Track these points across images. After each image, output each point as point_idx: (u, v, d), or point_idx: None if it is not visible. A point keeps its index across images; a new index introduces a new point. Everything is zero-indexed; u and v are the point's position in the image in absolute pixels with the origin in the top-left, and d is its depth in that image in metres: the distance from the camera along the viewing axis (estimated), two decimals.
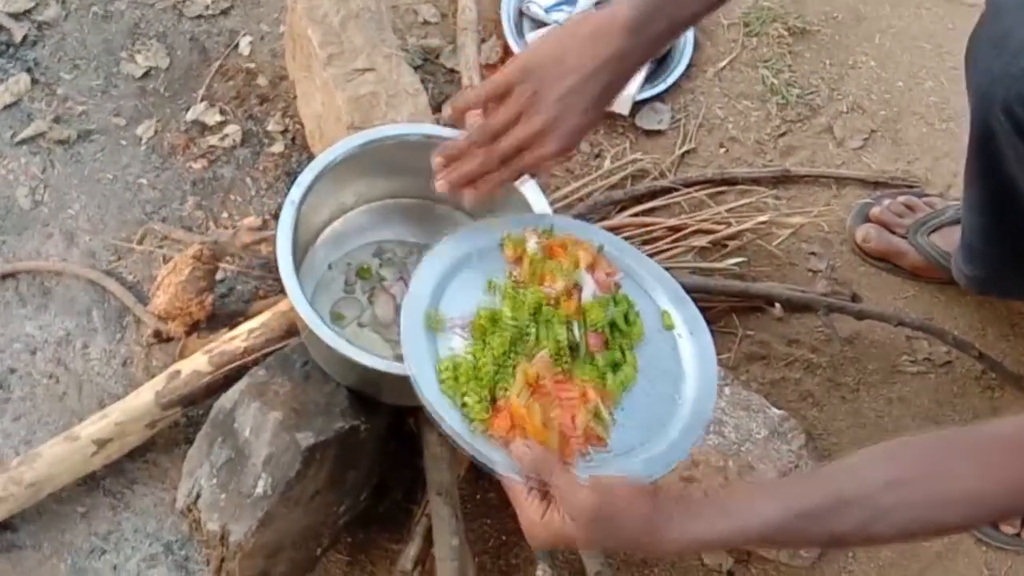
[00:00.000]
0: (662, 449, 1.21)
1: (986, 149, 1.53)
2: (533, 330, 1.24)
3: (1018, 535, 1.71)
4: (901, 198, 1.93)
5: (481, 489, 1.70)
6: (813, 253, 1.94)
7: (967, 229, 1.74)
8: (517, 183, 1.45)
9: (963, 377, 1.85)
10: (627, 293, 1.34)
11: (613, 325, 1.29)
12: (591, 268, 1.33)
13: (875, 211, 1.91)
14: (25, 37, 2.07)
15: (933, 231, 1.87)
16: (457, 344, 1.24)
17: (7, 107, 1.99)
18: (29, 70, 2.03)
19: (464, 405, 1.18)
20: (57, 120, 1.98)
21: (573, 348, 1.24)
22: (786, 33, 2.19)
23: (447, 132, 1.59)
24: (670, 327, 1.34)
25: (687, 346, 1.32)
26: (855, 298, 1.88)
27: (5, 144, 1.95)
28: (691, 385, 1.28)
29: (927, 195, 1.96)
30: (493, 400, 1.18)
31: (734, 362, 1.81)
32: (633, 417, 1.23)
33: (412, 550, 1.53)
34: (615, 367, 1.26)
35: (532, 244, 1.35)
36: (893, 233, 1.89)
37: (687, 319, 1.35)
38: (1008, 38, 1.41)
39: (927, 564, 1.70)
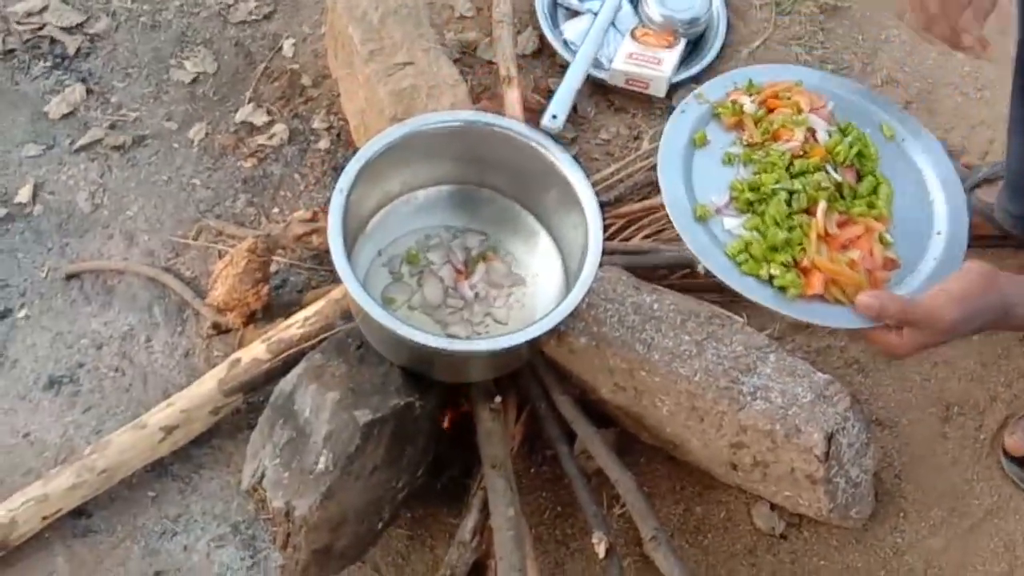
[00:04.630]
0: (941, 247, 1.28)
1: None
2: (799, 186, 1.28)
3: None
4: None
5: (535, 463, 1.74)
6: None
7: (1014, 158, 1.74)
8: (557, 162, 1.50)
9: (1007, 339, 1.86)
10: (845, 118, 1.39)
11: (859, 154, 1.34)
12: (811, 108, 1.38)
13: None
14: (78, 49, 2.15)
15: (975, 187, 1.88)
16: (732, 224, 1.28)
17: (64, 117, 2.07)
18: (83, 80, 2.11)
19: (772, 278, 1.23)
20: (112, 127, 2.06)
21: (838, 188, 1.30)
22: (817, 11, 2.22)
23: (487, 118, 1.64)
24: (891, 136, 1.40)
25: (913, 147, 1.39)
26: None
27: (64, 152, 2.03)
28: (932, 180, 1.35)
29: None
30: (795, 264, 1.23)
31: (779, 332, 1.84)
32: (902, 228, 1.30)
33: (470, 522, 1.57)
34: (875, 190, 1.31)
35: (749, 105, 1.37)
36: None
37: (901, 122, 1.42)
38: None
39: (977, 521, 1.72)
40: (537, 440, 1.72)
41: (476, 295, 1.65)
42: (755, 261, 1.25)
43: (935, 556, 1.70)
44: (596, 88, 2.13)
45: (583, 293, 1.48)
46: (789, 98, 1.40)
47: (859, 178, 1.34)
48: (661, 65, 2.08)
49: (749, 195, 1.30)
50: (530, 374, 1.68)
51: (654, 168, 1.95)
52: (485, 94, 2.08)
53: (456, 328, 1.62)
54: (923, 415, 1.81)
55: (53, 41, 2.15)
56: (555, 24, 2.20)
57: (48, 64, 2.12)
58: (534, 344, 1.53)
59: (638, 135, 2.06)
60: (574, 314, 1.50)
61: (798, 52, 2.15)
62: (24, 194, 1.96)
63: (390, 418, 1.51)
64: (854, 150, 1.35)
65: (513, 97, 1.94)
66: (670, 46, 2.10)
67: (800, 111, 1.37)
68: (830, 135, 1.36)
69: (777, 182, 1.29)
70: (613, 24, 2.16)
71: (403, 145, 1.60)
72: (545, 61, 2.16)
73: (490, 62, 2.13)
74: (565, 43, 2.16)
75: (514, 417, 1.68)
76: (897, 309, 1.19)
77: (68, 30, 2.17)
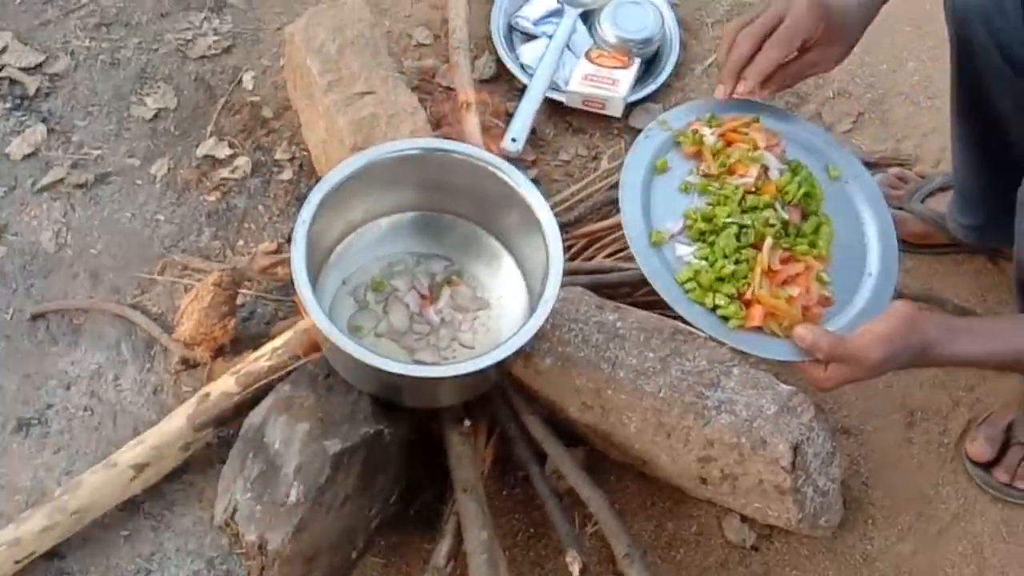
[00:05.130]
0: (871, 288, 1.36)
1: (968, 70, 1.61)
2: (749, 221, 1.34)
3: (1010, 485, 1.75)
4: (893, 170, 1.98)
5: (507, 485, 1.75)
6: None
7: (959, 172, 1.80)
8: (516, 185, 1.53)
9: None
10: (795, 157, 1.45)
11: (807, 193, 1.40)
12: (767, 145, 1.44)
13: None
14: (38, 89, 2.15)
15: (928, 196, 1.92)
16: (684, 251, 1.34)
17: (26, 157, 2.07)
18: (44, 120, 2.11)
19: (716, 308, 1.29)
20: (75, 166, 2.06)
21: (784, 226, 1.36)
22: None
23: (446, 144, 1.66)
24: (836, 177, 1.46)
25: (856, 190, 1.45)
26: None
27: (27, 192, 2.03)
28: (869, 223, 1.42)
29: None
30: (738, 295, 1.30)
31: None
32: (839, 268, 1.37)
33: (444, 546, 1.58)
34: (817, 230, 1.38)
35: (709, 137, 1.42)
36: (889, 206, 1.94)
37: (846, 165, 1.48)
38: None
39: (945, 525, 1.75)
40: (508, 462, 1.73)
41: (442, 320, 1.66)
42: (702, 289, 1.32)
43: (905, 561, 1.72)
44: (554, 110, 2.15)
45: (546, 314, 1.50)
46: (747, 134, 1.46)
47: (804, 216, 1.41)
48: (617, 85, 2.10)
49: (702, 225, 1.36)
50: (499, 396, 1.69)
51: (614, 187, 1.98)
52: (446, 120, 2.10)
53: (423, 354, 1.63)
54: (887, 422, 1.84)
55: (13, 82, 2.15)
56: (511, 48, 2.22)
57: (8, 105, 2.12)
58: (501, 367, 1.55)
59: (596, 155, 2.08)
60: (539, 335, 1.52)
61: None
62: None
63: (360, 447, 1.52)
64: (802, 190, 1.41)
65: (472, 122, 1.96)
66: (625, 66, 2.13)
67: (756, 148, 1.43)
68: (781, 173, 1.42)
69: (729, 215, 1.35)
70: (568, 47, 2.19)
71: (364, 174, 1.62)
72: (503, 85, 2.19)
73: (448, 88, 2.15)
74: (522, 67, 2.19)
75: (484, 440, 1.69)
76: (827, 344, 1.27)
77: (27, 70, 2.17)
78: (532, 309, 1.57)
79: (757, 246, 1.34)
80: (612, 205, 1.95)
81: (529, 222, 1.60)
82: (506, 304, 1.68)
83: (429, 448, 1.67)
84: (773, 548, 1.72)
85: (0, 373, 1.83)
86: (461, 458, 1.61)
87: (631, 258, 1.74)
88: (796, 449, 1.54)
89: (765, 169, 1.41)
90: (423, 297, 1.68)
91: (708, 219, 1.36)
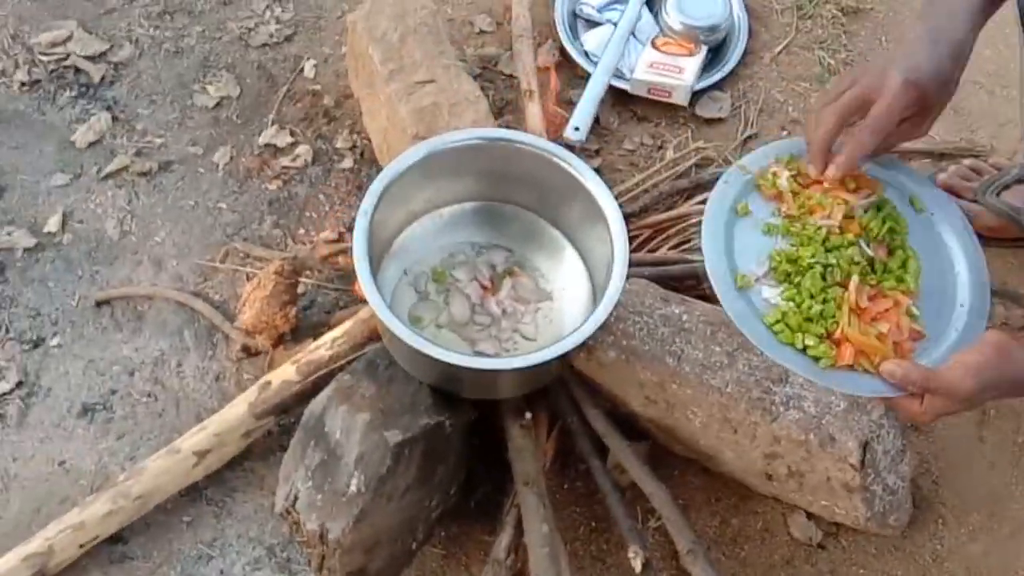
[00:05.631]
0: (963, 320, 1.34)
1: None
2: (834, 260, 1.33)
3: None
4: (966, 162, 1.93)
5: (568, 479, 1.74)
6: None
7: None
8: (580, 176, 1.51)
9: None
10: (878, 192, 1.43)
11: (891, 229, 1.38)
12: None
13: (942, 177, 1.92)
14: (103, 78, 2.17)
15: (1003, 189, 1.86)
16: (769, 294, 1.33)
17: (91, 145, 2.08)
18: (109, 108, 2.13)
19: (806, 348, 1.28)
20: (138, 154, 2.08)
21: (870, 263, 1.35)
22: (840, 13, 2.20)
23: (508, 134, 1.64)
24: (921, 210, 1.44)
25: (940, 220, 1.43)
26: None
27: (92, 180, 2.04)
28: (957, 253, 1.40)
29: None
30: (828, 335, 1.29)
31: None
32: (928, 301, 1.35)
33: (504, 539, 1.57)
34: (904, 265, 1.36)
35: (783, 181, 1.41)
36: (961, 197, 1.89)
37: (930, 197, 1.45)
38: None
39: (1018, 526, 1.70)
40: (569, 455, 1.71)
41: (503, 311, 1.65)
42: (791, 331, 1.30)
43: (975, 562, 1.68)
44: (618, 98, 2.12)
45: (611, 307, 1.48)
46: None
47: (890, 252, 1.39)
48: (683, 73, 2.07)
49: (787, 267, 1.35)
50: (560, 389, 1.67)
51: (679, 177, 1.96)
52: (507, 108, 2.09)
53: (484, 345, 1.62)
54: (959, 420, 1.79)
55: (78, 70, 2.17)
56: (575, 36, 2.20)
57: (73, 93, 2.14)
58: (564, 359, 1.53)
59: (661, 145, 2.05)
60: (603, 328, 1.50)
61: (821, 56, 2.14)
62: (53, 223, 1.98)
63: (420, 438, 1.51)
64: (887, 225, 1.39)
65: (534, 111, 1.94)
66: (691, 54, 2.10)
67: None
68: (865, 210, 1.40)
69: (813, 255, 1.34)
70: (633, 34, 2.16)
71: (426, 163, 1.61)
72: (566, 73, 2.16)
73: (511, 76, 2.13)
74: (586, 54, 2.16)
75: (545, 433, 1.67)
76: (918, 377, 1.25)
77: (92, 59, 2.19)
78: (595, 301, 1.56)
79: (844, 284, 1.33)
80: (678, 195, 1.93)
81: (593, 213, 1.57)
82: (568, 296, 1.66)
83: (489, 440, 1.65)
84: (840, 546, 1.69)
85: (65, 359, 1.85)
86: (522, 451, 1.60)
87: (697, 250, 1.73)
88: (865, 446, 1.51)
89: (849, 206, 1.39)
90: (484, 288, 1.66)
91: (792, 260, 1.35)
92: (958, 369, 1.23)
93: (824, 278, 1.33)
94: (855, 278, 1.32)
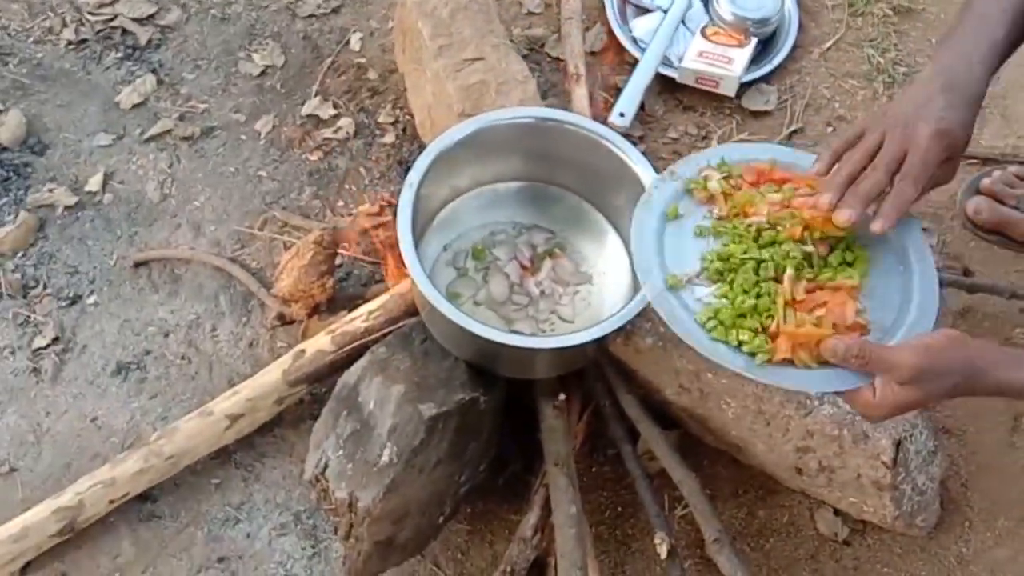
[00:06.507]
0: (913, 317, 1.29)
1: None
2: (767, 255, 1.30)
3: None
4: (1012, 168, 1.91)
5: (597, 462, 1.74)
6: (924, 228, 1.92)
7: None
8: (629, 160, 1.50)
9: None
10: None
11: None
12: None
13: (985, 182, 1.90)
14: (149, 40, 2.17)
15: None
16: (702, 293, 1.31)
17: (135, 107, 2.09)
18: (154, 71, 2.13)
19: (741, 343, 1.25)
20: (182, 118, 2.08)
21: (807, 258, 1.31)
22: (891, 12, 2.19)
23: (558, 115, 1.64)
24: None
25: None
26: (967, 272, 1.87)
27: (135, 141, 2.05)
28: (911, 255, 1.35)
29: None
30: (763, 329, 1.26)
31: None
32: (874, 299, 1.30)
33: (532, 518, 1.57)
34: (846, 260, 1.33)
35: (714, 183, 1.39)
36: (1003, 204, 1.88)
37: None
38: None
39: None
40: (600, 439, 1.72)
41: (542, 292, 1.65)
42: (724, 327, 1.27)
43: (1001, 566, 1.67)
44: (665, 86, 2.11)
45: None
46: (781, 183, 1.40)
47: (831, 249, 1.34)
48: (732, 64, 2.06)
49: (719, 264, 1.31)
50: (595, 372, 1.67)
51: None
52: (552, 91, 2.08)
53: (521, 324, 1.62)
54: (991, 424, 1.78)
55: (125, 32, 2.18)
56: (624, 21, 2.19)
57: (120, 55, 2.15)
58: (601, 343, 1.53)
59: (706, 135, 2.05)
60: (641, 314, 1.49)
61: (870, 54, 2.13)
62: (95, 183, 1.99)
63: (455, 412, 1.51)
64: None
65: (581, 94, 1.93)
66: (741, 45, 2.08)
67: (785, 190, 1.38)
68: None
69: (746, 251, 1.31)
70: (683, 22, 2.15)
71: (474, 140, 1.61)
72: (613, 58, 2.15)
73: (558, 59, 2.13)
74: (634, 40, 2.15)
75: (577, 415, 1.67)
76: (860, 350, 1.20)
77: (140, 21, 2.19)
78: (635, 287, 1.55)
79: (779, 279, 1.29)
80: None
81: None
82: (609, 280, 1.66)
83: (521, 419, 1.65)
84: (865, 544, 1.68)
85: (101, 317, 1.86)
86: (553, 431, 1.60)
87: None
88: (899, 445, 1.51)
89: (784, 204, 1.35)
90: (524, 268, 1.66)
91: (724, 258, 1.32)
92: (904, 348, 1.19)
93: (757, 272, 1.30)
94: (789, 271, 1.28)
